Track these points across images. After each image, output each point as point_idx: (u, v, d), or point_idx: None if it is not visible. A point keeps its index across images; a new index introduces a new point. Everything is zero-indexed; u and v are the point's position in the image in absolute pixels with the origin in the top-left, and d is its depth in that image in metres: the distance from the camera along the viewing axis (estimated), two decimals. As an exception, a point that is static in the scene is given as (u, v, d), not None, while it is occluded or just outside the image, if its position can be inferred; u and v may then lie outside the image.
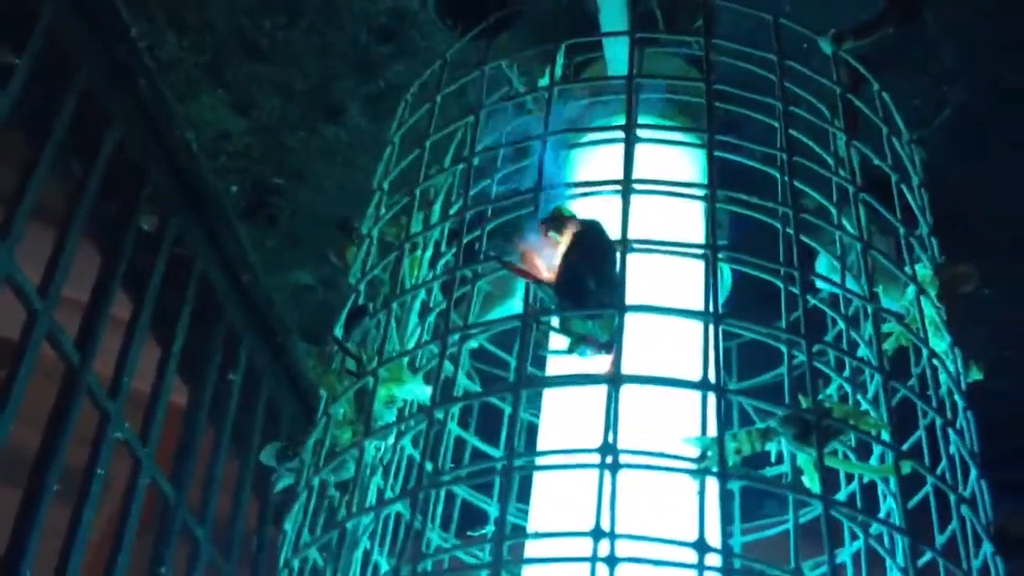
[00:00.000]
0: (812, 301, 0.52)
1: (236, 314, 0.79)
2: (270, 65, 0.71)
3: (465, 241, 0.54)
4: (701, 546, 0.41)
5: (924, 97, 0.69)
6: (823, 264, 0.57)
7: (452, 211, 0.58)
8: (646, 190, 0.51)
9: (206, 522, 0.71)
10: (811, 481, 0.43)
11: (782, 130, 0.54)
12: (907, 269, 0.54)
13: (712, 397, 0.44)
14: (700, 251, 0.49)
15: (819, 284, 0.56)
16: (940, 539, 0.50)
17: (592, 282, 0.45)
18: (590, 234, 0.46)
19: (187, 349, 0.73)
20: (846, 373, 0.54)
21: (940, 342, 0.53)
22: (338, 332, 0.55)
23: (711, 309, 0.46)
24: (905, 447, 0.48)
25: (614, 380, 0.44)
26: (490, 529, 0.62)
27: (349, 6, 0.68)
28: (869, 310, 0.51)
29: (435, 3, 0.67)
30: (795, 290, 0.49)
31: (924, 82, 0.69)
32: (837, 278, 0.55)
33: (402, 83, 0.70)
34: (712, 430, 0.44)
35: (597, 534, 0.41)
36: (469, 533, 0.63)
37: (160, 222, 0.72)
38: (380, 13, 0.69)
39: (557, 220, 0.47)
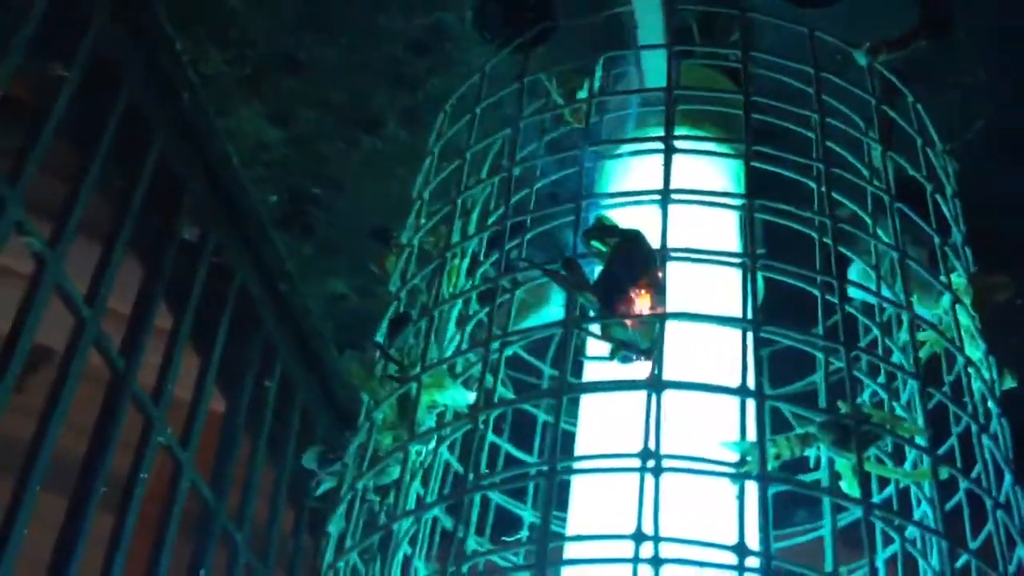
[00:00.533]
0: (848, 309, 0.53)
1: (272, 322, 0.80)
2: (308, 78, 0.72)
3: (505, 250, 0.55)
4: (741, 549, 0.42)
5: (955, 110, 0.69)
6: (855, 271, 0.58)
7: (491, 220, 0.59)
8: (684, 200, 0.52)
9: (244, 526, 0.72)
10: (850, 486, 0.44)
11: (818, 141, 0.55)
12: (942, 278, 0.54)
13: (751, 403, 0.45)
14: (738, 260, 0.50)
15: (853, 292, 0.57)
16: (974, 543, 0.50)
17: (634, 291, 0.46)
18: (632, 244, 0.47)
19: (225, 356, 0.74)
20: (880, 379, 0.54)
21: (975, 350, 0.54)
22: (380, 339, 0.57)
23: (750, 317, 0.47)
24: (940, 451, 0.49)
25: (655, 385, 0.45)
26: (525, 534, 0.64)
27: (387, 22, 0.70)
28: (904, 318, 0.52)
29: (472, 18, 0.69)
30: (832, 298, 0.50)
31: (955, 95, 0.69)
32: (870, 285, 0.55)
33: (439, 95, 0.71)
34: (751, 435, 0.45)
35: (639, 537, 0.42)
36: (504, 539, 0.64)
37: (201, 232, 0.73)
38: (417, 28, 0.70)
39: (600, 230, 0.48)
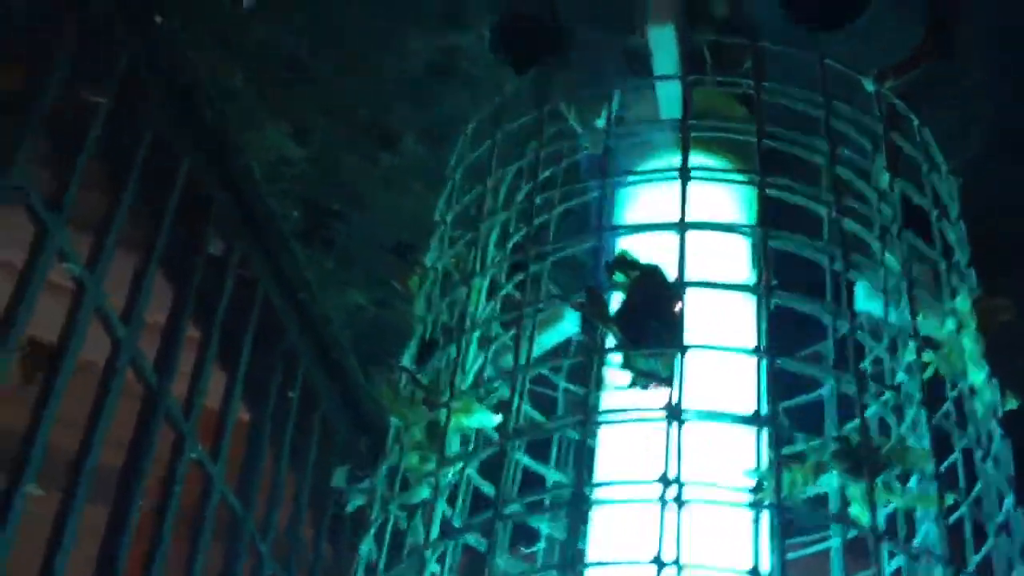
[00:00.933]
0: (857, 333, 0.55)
1: (295, 332, 0.82)
2: (329, 96, 0.74)
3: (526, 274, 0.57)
4: (755, 574, 0.44)
5: (956, 129, 0.71)
6: (862, 291, 0.60)
7: (511, 240, 0.61)
8: (700, 225, 0.54)
9: (268, 536, 0.75)
10: (860, 512, 0.46)
11: (828, 168, 0.57)
12: (947, 302, 0.56)
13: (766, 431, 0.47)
14: (752, 291, 0.52)
15: (859, 311, 0.60)
16: (976, 556, 0.53)
17: (653, 323, 0.48)
18: (652, 278, 0.49)
19: (250, 367, 0.76)
20: (886, 397, 0.56)
21: (978, 373, 0.56)
22: (407, 362, 0.59)
23: (763, 345, 0.50)
24: (941, 468, 0.51)
25: (675, 414, 0.47)
26: (540, 546, 0.66)
27: (406, 43, 0.71)
28: (911, 344, 0.54)
29: (490, 40, 0.70)
30: (841, 326, 0.52)
31: (955, 116, 0.71)
32: (875, 305, 0.58)
33: (456, 114, 0.73)
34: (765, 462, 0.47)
35: (659, 563, 0.44)
36: (523, 549, 0.66)
37: (226, 246, 0.75)
38: (436, 49, 0.72)
39: (621, 264, 0.50)
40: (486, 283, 0.61)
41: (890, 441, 0.48)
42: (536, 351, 0.59)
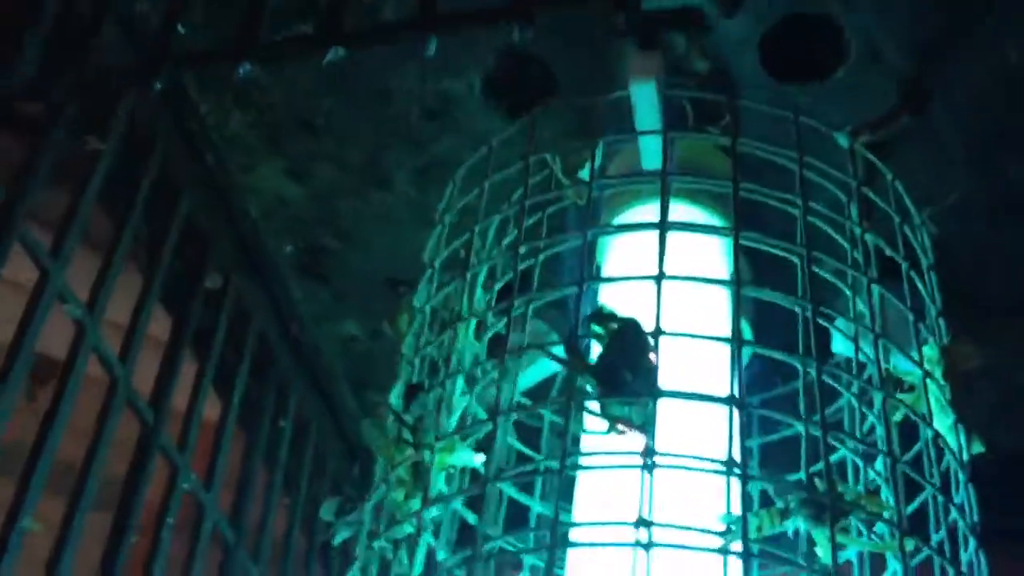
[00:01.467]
0: (827, 381, 0.57)
1: (288, 363, 0.84)
2: (325, 139, 0.77)
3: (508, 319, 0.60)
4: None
5: (932, 179, 0.73)
6: (838, 337, 0.62)
7: (499, 284, 0.64)
8: (677, 277, 0.57)
9: (260, 562, 0.77)
10: (825, 555, 0.49)
11: (801, 224, 0.60)
12: (914, 354, 0.59)
13: (736, 479, 0.50)
14: (726, 341, 0.55)
15: (836, 354, 0.62)
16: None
17: (628, 373, 0.51)
18: (628, 331, 0.51)
19: (244, 399, 0.78)
20: (849, 444, 0.59)
21: (945, 419, 0.59)
22: (394, 401, 0.61)
23: (736, 395, 0.52)
24: (908, 510, 0.54)
25: (647, 461, 0.49)
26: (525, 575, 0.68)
27: (400, 89, 0.74)
28: (876, 397, 0.57)
29: (480, 88, 0.73)
30: (812, 372, 0.55)
31: (932, 167, 0.73)
32: (851, 350, 0.60)
33: (447, 157, 0.76)
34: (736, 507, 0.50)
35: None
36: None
37: (223, 281, 0.78)
38: (428, 95, 0.74)
39: (600, 316, 0.52)
40: (473, 324, 0.64)
41: (853, 487, 0.51)
42: (522, 385, 0.61)
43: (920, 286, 0.63)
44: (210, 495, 0.71)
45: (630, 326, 0.51)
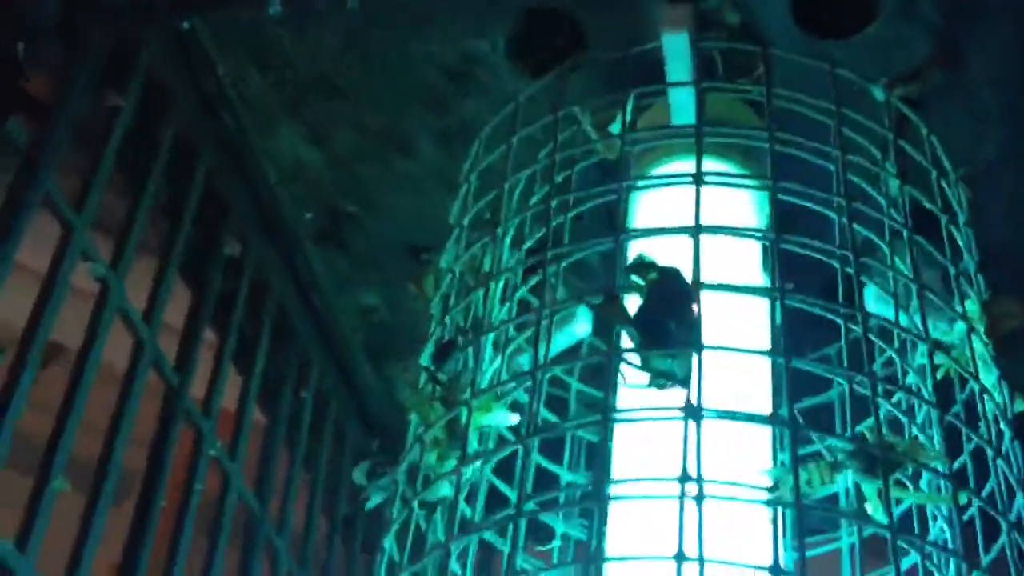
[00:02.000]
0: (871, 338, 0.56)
1: (308, 334, 0.83)
2: (346, 102, 0.75)
3: (539, 276, 0.59)
4: (776, 571, 0.45)
5: (967, 136, 0.72)
6: (871, 293, 0.61)
7: (526, 243, 0.63)
8: (714, 229, 0.56)
9: (284, 533, 0.76)
10: (875, 510, 0.48)
11: (840, 176, 0.59)
12: (957, 307, 0.58)
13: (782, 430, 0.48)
14: (767, 294, 0.54)
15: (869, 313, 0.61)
16: (987, 558, 0.54)
17: (672, 324, 0.50)
18: (670, 279, 0.50)
19: (265, 369, 0.77)
20: (897, 397, 0.58)
21: (989, 375, 0.57)
22: (425, 361, 0.60)
23: (780, 347, 0.51)
24: (954, 467, 0.53)
25: (693, 414, 0.48)
26: (557, 543, 0.67)
27: (422, 48, 0.72)
28: (920, 347, 0.56)
29: (505, 46, 0.71)
30: (855, 328, 0.54)
31: (967, 122, 0.72)
32: (884, 308, 0.59)
33: (472, 119, 0.75)
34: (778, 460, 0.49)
35: (680, 557, 0.45)
36: (537, 548, 0.67)
37: (242, 248, 0.76)
38: (451, 55, 0.72)
39: (640, 266, 0.51)
40: (500, 285, 0.62)
41: (904, 439, 0.49)
42: (549, 352, 0.60)
43: (960, 240, 0.62)
44: (235, 464, 0.70)
45: (671, 276, 0.50)
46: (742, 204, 0.65)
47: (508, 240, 0.64)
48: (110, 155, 0.62)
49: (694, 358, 0.50)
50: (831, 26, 0.68)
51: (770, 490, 0.48)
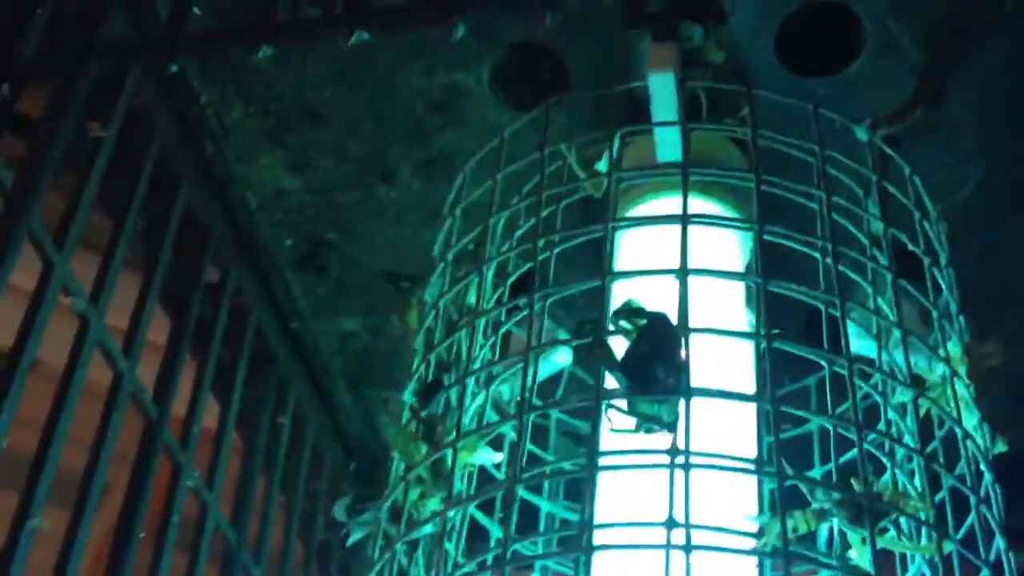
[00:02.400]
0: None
1: (286, 359, 0.83)
2: (329, 130, 0.75)
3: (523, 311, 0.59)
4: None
5: (945, 173, 0.73)
6: (851, 330, 0.61)
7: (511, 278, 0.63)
8: (702, 271, 0.56)
9: (261, 562, 0.75)
10: (861, 557, 0.48)
11: (824, 216, 0.59)
12: (940, 351, 0.58)
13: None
14: (754, 338, 0.54)
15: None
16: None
17: (660, 369, 0.50)
18: (658, 325, 0.50)
19: (243, 395, 0.77)
20: (872, 437, 0.58)
21: (970, 418, 0.58)
22: (408, 398, 0.60)
23: (768, 395, 0.51)
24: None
25: (682, 462, 0.48)
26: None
27: (407, 80, 0.72)
28: (900, 389, 0.56)
29: (489, 80, 0.72)
30: (840, 370, 0.54)
31: (945, 159, 0.73)
32: (864, 345, 0.59)
33: (453, 150, 0.75)
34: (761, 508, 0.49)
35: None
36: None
37: (221, 274, 0.76)
38: (435, 87, 0.72)
39: (628, 311, 0.51)
40: (483, 322, 0.62)
41: (888, 487, 0.50)
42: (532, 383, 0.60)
43: (941, 281, 0.62)
44: (212, 494, 0.70)
45: (660, 321, 0.50)
46: (726, 238, 0.65)
47: (491, 274, 0.64)
48: (92, 186, 0.61)
49: (681, 404, 0.50)
50: (815, 63, 0.69)
51: (756, 537, 0.48)
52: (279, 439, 0.80)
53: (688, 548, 0.45)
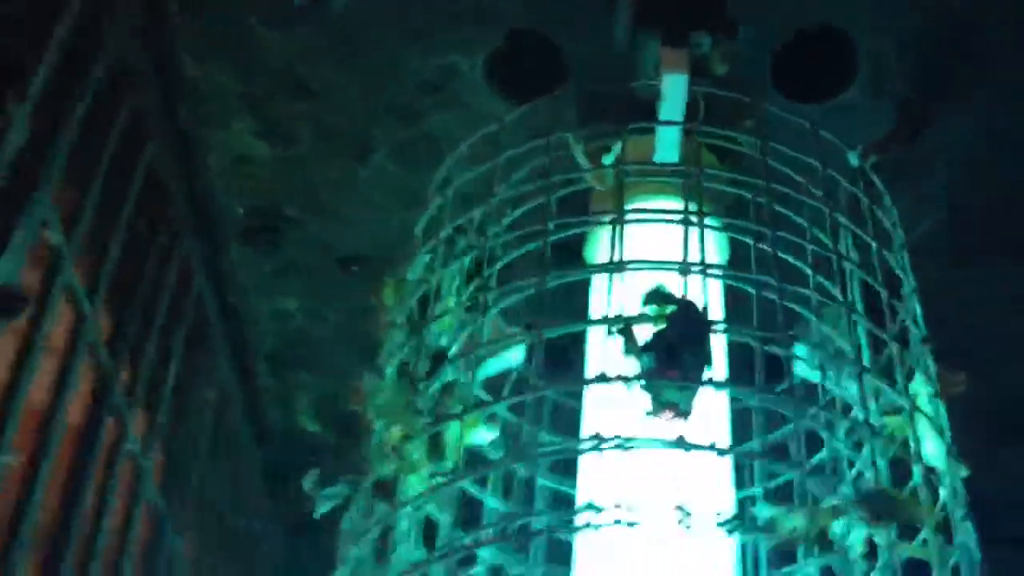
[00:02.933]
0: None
1: (220, 331, 0.80)
2: (315, 103, 0.73)
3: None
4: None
5: (904, 213, 0.74)
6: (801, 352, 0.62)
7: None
8: (717, 276, 0.56)
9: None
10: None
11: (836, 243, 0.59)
12: (901, 383, 0.59)
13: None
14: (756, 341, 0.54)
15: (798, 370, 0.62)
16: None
17: (688, 355, 0.49)
18: (688, 312, 0.50)
19: (182, 361, 0.74)
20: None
21: (940, 445, 0.58)
22: (390, 372, 0.58)
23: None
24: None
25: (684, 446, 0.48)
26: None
27: (404, 58, 0.71)
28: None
29: (483, 65, 0.71)
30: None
31: (906, 199, 0.74)
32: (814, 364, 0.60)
33: (439, 133, 0.73)
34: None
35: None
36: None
37: (171, 238, 0.73)
38: (430, 67, 0.71)
39: (658, 296, 0.51)
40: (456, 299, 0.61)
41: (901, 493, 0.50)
42: (481, 378, 0.59)
43: (904, 312, 0.63)
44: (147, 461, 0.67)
45: (690, 308, 0.50)
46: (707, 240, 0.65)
47: (468, 261, 0.63)
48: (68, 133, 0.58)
49: (699, 393, 0.49)
50: (807, 91, 0.70)
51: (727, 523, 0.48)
52: (204, 411, 0.77)
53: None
